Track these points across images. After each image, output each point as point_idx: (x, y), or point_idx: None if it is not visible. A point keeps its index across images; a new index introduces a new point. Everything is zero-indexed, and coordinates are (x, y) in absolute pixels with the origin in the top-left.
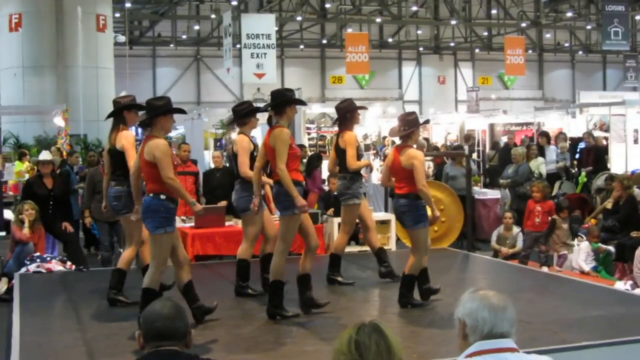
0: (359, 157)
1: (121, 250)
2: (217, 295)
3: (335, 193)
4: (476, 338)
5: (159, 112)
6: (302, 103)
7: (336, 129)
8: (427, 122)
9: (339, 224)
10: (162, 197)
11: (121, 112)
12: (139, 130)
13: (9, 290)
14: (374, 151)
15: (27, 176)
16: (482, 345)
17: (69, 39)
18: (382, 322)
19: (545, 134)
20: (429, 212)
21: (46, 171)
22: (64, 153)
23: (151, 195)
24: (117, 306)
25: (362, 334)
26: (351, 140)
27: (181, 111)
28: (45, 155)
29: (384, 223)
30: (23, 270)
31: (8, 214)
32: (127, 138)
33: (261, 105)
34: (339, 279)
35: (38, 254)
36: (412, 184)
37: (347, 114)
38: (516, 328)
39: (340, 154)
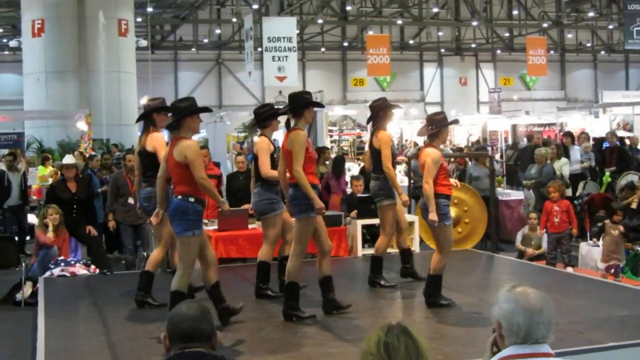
0: (394, 156)
1: (144, 254)
2: (241, 297)
3: (359, 195)
4: (511, 341)
5: (185, 114)
6: (320, 105)
7: (358, 131)
8: (456, 121)
9: (363, 226)
10: (191, 199)
11: (151, 114)
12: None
13: (34, 294)
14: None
15: (50, 180)
16: (516, 349)
17: (91, 44)
18: (410, 324)
19: (569, 134)
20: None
21: (70, 175)
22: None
23: (180, 197)
24: (145, 308)
25: (391, 335)
26: (386, 140)
27: (207, 110)
28: (68, 159)
29: (408, 225)
30: (47, 274)
31: (32, 218)
32: (158, 140)
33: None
34: (382, 281)
35: (62, 257)
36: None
37: (380, 112)
38: (552, 328)
39: (374, 153)
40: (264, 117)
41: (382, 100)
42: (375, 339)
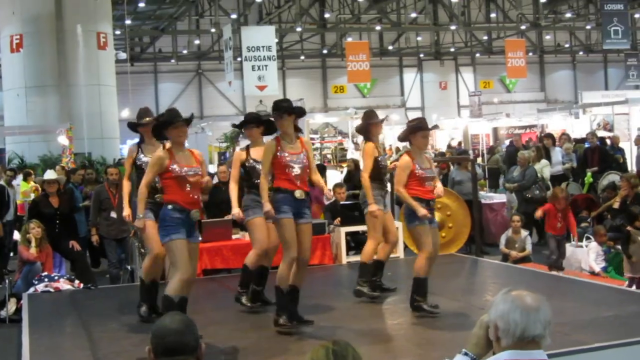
0: (382, 167)
1: (128, 267)
2: (226, 307)
3: (342, 203)
4: (509, 341)
5: (163, 126)
6: (301, 113)
7: (340, 138)
8: (435, 127)
9: (347, 234)
10: (169, 206)
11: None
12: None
13: (18, 310)
14: None
15: (32, 196)
16: (514, 354)
17: (71, 58)
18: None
19: (550, 136)
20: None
21: (52, 190)
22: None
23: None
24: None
25: (338, 345)
26: (368, 151)
27: (172, 121)
28: (50, 175)
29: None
30: (31, 290)
31: (15, 235)
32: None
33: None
34: (365, 289)
35: (46, 273)
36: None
37: (361, 130)
38: (550, 328)
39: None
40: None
41: (365, 116)
42: (323, 350)
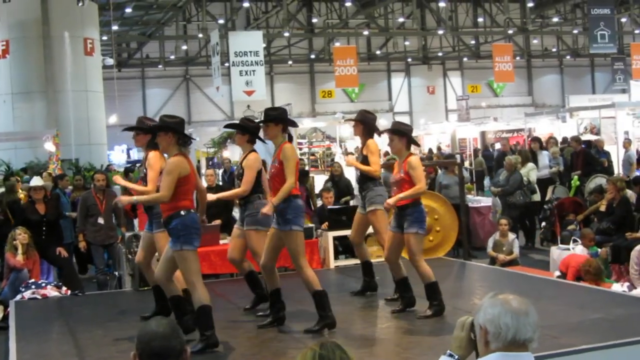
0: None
1: (116, 274)
2: (215, 312)
3: (330, 207)
4: (499, 345)
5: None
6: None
7: (328, 143)
8: (378, 131)
9: (334, 238)
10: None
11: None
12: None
13: (5, 317)
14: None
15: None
16: (502, 356)
17: (58, 64)
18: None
19: (537, 139)
20: None
21: (38, 197)
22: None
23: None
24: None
25: (325, 349)
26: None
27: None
28: (36, 181)
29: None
30: (18, 297)
31: None
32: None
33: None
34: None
35: (33, 280)
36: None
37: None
38: (539, 332)
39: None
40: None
41: (367, 112)
42: (310, 353)
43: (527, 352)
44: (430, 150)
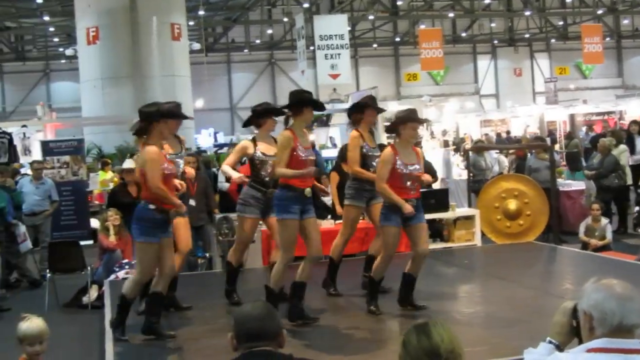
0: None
1: (206, 255)
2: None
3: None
4: (604, 331)
5: (152, 119)
6: (320, 106)
7: None
8: (426, 120)
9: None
10: (151, 206)
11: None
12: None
13: (100, 297)
14: (454, 147)
15: (111, 185)
16: (608, 342)
17: (145, 49)
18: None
19: (636, 122)
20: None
21: (130, 179)
22: None
23: (142, 202)
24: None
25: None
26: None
27: (176, 115)
28: (128, 164)
29: (468, 218)
30: (112, 277)
31: (94, 223)
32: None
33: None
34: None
35: (126, 260)
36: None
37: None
38: None
39: None
40: (258, 114)
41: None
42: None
43: (636, 340)
44: (498, 135)
